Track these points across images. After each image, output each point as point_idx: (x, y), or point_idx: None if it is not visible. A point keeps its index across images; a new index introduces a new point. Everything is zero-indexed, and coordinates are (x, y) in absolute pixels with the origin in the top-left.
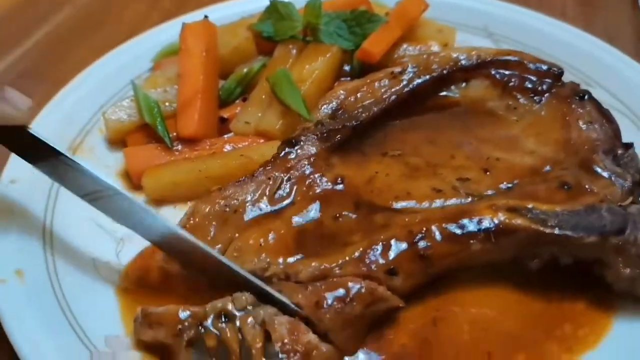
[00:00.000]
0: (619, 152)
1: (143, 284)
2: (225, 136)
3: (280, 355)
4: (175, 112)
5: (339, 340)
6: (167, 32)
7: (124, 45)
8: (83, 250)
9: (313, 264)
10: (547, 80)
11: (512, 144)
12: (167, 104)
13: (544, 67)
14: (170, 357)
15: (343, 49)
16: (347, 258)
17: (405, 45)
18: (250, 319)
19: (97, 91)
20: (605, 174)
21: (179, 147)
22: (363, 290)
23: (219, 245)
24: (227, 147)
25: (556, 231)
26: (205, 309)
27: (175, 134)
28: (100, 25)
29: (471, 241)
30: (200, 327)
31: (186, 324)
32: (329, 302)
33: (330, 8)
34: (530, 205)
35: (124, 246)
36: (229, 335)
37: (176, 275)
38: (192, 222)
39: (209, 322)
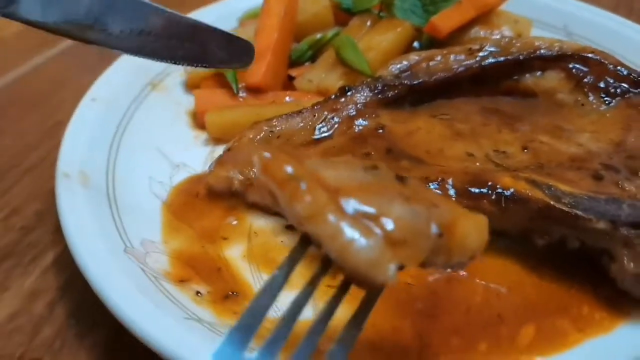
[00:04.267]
0: None
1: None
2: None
3: None
4: None
5: None
6: None
7: (214, 4)
8: (141, 167)
9: None
10: (624, 84)
11: (564, 134)
12: None
13: (625, 72)
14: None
15: (415, 25)
16: None
17: (477, 28)
18: None
19: None
20: None
21: (245, 94)
22: None
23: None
24: (287, 99)
25: (566, 208)
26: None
27: (243, 84)
28: None
29: (481, 201)
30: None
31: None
32: None
33: None
34: (551, 183)
35: (178, 172)
36: None
37: (219, 193)
38: (237, 143)
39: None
